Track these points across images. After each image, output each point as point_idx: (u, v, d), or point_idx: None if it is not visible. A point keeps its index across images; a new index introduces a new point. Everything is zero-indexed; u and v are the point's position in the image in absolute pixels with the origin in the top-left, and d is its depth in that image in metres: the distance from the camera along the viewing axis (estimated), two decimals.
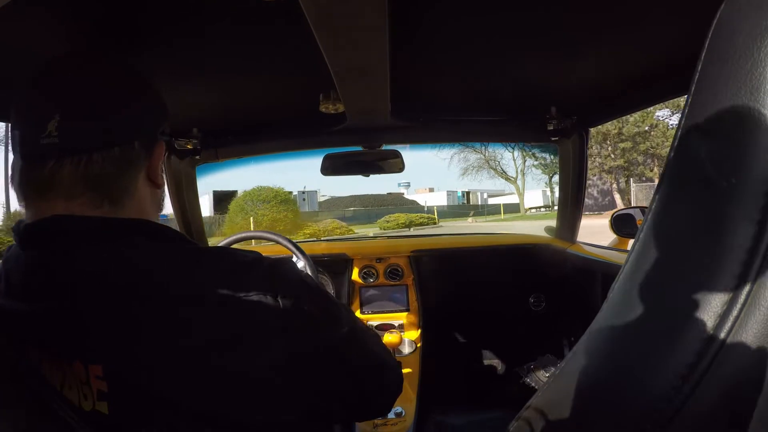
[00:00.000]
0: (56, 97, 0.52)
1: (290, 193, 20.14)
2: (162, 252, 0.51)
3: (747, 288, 0.29)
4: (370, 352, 0.63)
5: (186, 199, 1.75)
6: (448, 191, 41.37)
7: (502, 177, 29.02)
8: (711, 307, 0.31)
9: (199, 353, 0.46)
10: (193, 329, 0.46)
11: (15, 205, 0.56)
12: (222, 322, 0.47)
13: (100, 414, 0.46)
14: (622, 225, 1.73)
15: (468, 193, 41.85)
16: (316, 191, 34.43)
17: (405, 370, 1.65)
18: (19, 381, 0.47)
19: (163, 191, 0.64)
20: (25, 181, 0.53)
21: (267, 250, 1.94)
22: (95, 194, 0.52)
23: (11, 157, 0.55)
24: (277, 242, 1.45)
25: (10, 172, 0.55)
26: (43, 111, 0.51)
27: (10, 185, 0.55)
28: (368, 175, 1.78)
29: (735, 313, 0.30)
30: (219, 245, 1.47)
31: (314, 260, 1.40)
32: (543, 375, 1.51)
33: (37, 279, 0.50)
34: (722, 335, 0.30)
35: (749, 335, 0.29)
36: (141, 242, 0.52)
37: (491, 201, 39.86)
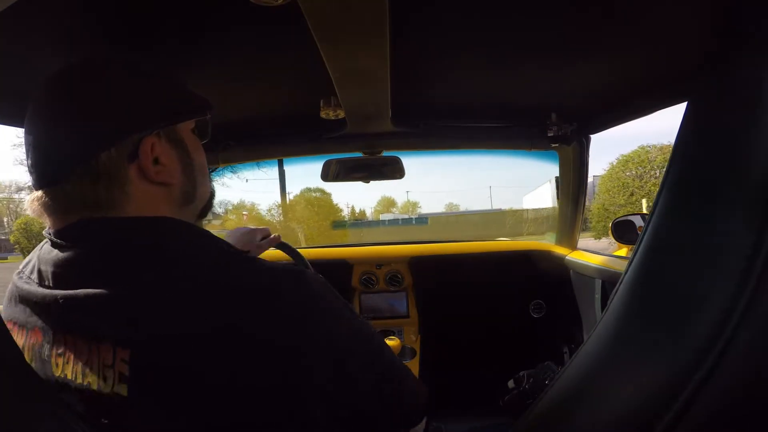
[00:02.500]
0: (28, 133, 0.57)
1: None
2: (194, 248, 0.55)
3: (747, 295, 0.29)
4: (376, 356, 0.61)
5: None
6: None
7: None
8: (710, 315, 0.31)
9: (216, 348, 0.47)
10: (210, 319, 0.48)
11: None
12: (245, 322, 0.49)
13: (119, 396, 0.47)
14: (623, 232, 1.72)
15: None
16: None
17: None
18: (27, 370, 0.48)
19: (184, 183, 0.62)
20: (37, 202, 0.57)
21: (265, 255, 1.94)
22: (81, 212, 0.55)
23: None
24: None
25: None
26: (27, 146, 0.57)
27: None
28: (368, 182, 1.78)
29: (734, 321, 0.29)
30: None
31: (314, 266, 1.39)
32: (543, 382, 1.50)
33: (70, 270, 0.53)
34: (721, 343, 0.30)
35: (748, 342, 0.29)
36: (172, 237, 0.56)
37: None
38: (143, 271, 0.51)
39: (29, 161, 0.56)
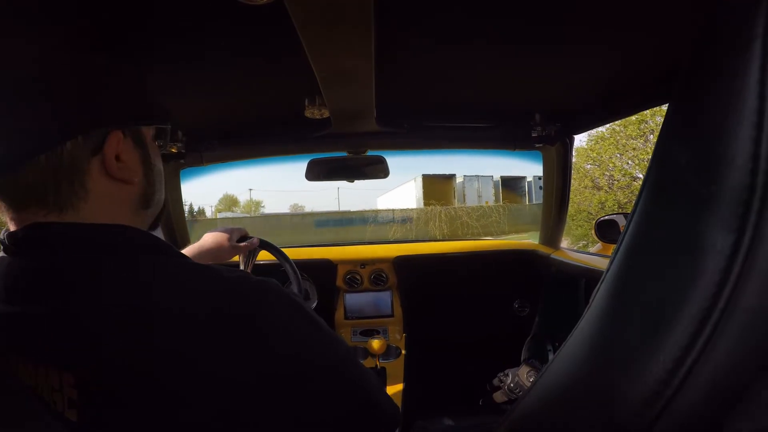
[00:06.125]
0: None
1: None
2: (149, 265, 0.51)
3: (726, 294, 0.29)
4: (354, 381, 0.60)
5: (169, 205, 1.73)
6: None
7: None
8: (691, 314, 0.31)
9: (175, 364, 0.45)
10: (172, 345, 0.45)
11: None
12: (206, 342, 0.46)
13: (69, 420, 0.46)
14: (606, 231, 1.74)
15: None
16: None
17: (389, 376, 1.65)
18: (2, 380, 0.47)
19: (144, 185, 0.60)
20: None
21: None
22: (37, 205, 0.52)
23: None
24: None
25: None
26: None
27: None
28: (353, 181, 1.78)
29: (715, 319, 0.30)
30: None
31: (297, 266, 1.39)
32: (527, 380, 1.51)
33: (20, 283, 0.50)
34: (702, 341, 0.30)
35: (729, 341, 0.30)
36: (124, 253, 0.52)
37: None
38: (92, 290, 0.47)
39: None
